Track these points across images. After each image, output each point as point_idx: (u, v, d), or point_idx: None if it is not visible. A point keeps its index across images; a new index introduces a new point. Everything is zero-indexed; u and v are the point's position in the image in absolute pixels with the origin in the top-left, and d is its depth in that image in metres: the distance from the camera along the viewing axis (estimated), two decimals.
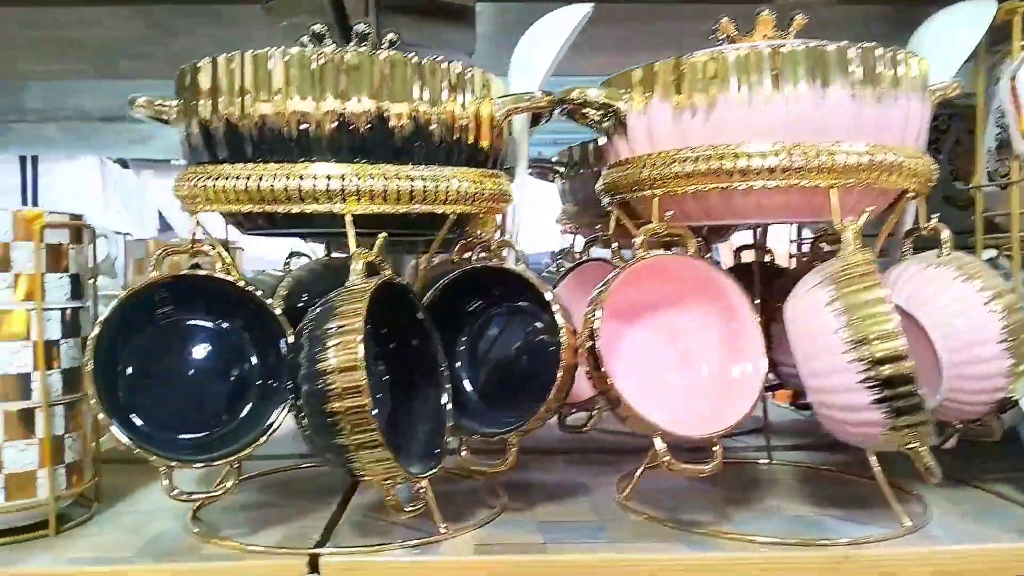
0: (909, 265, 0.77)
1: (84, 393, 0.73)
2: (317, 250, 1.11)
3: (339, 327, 0.61)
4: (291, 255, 1.06)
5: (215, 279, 0.72)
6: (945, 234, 0.77)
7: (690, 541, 0.70)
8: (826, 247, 0.91)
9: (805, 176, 0.69)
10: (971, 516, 0.76)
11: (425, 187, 0.69)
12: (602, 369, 0.68)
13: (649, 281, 0.75)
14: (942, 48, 0.81)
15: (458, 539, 0.70)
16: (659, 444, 0.69)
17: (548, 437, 1.17)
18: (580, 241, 1.14)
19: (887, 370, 0.62)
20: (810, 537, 0.69)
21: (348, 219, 0.68)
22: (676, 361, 0.78)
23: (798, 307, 0.68)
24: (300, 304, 0.84)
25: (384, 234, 0.68)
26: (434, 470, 0.68)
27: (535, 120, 0.84)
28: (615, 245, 0.90)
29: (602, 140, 0.85)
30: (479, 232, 0.85)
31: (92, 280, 0.78)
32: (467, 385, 0.82)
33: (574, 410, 0.91)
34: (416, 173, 0.69)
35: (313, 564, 0.66)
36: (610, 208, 0.85)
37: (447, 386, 0.73)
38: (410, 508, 0.67)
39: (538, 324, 0.81)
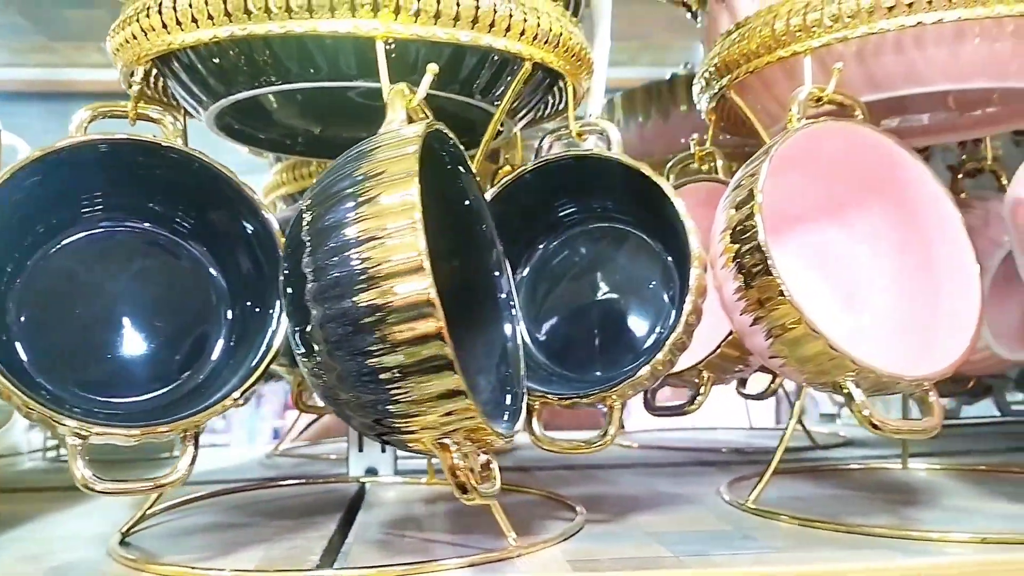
0: None
1: None
2: None
3: (377, 202, 0.36)
4: None
5: (168, 149, 0.47)
6: None
7: (893, 546, 0.46)
8: None
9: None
10: None
11: (496, 7, 0.46)
12: (768, 271, 0.45)
13: (802, 173, 0.53)
14: None
15: (537, 555, 0.45)
16: (856, 391, 0.45)
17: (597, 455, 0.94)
18: None
19: None
20: None
21: (380, 48, 0.44)
22: (837, 293, 0.55)
23: None
24: None
25: (435, 67, 0.44)
26: (514, 427, 0.43)
27: None
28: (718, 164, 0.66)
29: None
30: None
31: None
32: (527, 333, 0.56)
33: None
34: None
35: None
36: (710, 113, 0.64)
37: (513, 318, 0.48)
38: (485, 489, 0.41)
39: (633, 245, 0.56)
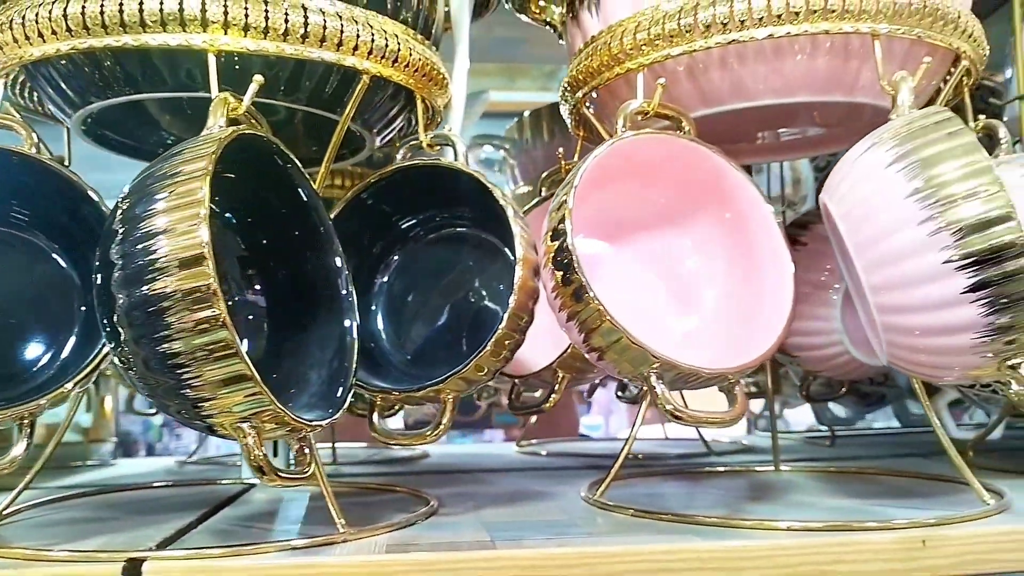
0: None
1: None
2: None
3: (173, 197, 0.39)
4: None
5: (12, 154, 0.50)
6: (1002, 131, 0.60)
7: (701, 532, 0.49)
8: None
9: (836, 19, 0.51)
10: None
11: (326, 23, 0.49)
12: (574, 269, 0.48)
13: (629, 183, 0.56)
14: None
15: (363, 541, 0.48)
16: (657, 384, 0.48)
17: (492, 458, 0.97)
18: None
19: (985, 242, 0.43)
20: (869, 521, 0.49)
21: (211, 61, 0.48)
22: (671, 295, 0.58)
23: (841, 184, 0.49)
24: None
25: (260, 78, 0.47)
26: (333, 416, 0.46)
27: (480, 7, 0.66)
28: None
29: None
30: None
31: None
32: (385, 334, 0.59)
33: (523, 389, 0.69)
34: (315, 4, 0.49)
35: (133, 572, 0.42)
36: (576, 128, 0.67)
37: (352, 313, 0.51)
38: (288, 474, 0.44)
39: (486, 250, 0.59)
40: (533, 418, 1.05)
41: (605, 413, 1.80)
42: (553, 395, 0.63)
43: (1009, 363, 0.45)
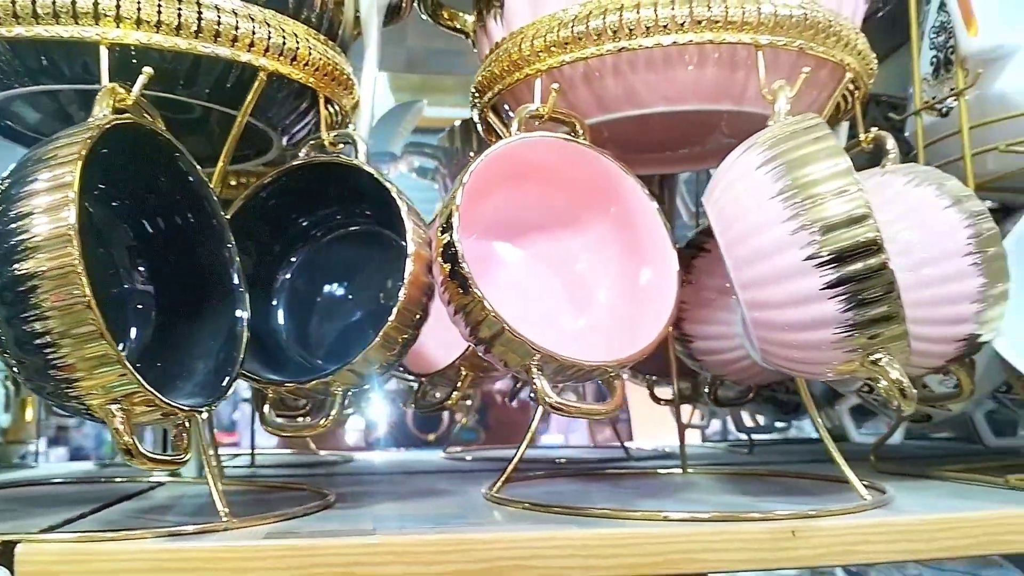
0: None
1: None
2: None
3: (44, 180, 0.40)
4: None
5: None
6: (890, 143, 0.63)
7: (585, 523, 0.50)
8: None
9: (720, 29, 0.54)
10: (934, 493, 0.61)
11: (220, 19, 0.50)
12: (460, 262, 0.49)
13: (525, 185, 0.57)
14: None
15: (244, 530, 0.48)
16: (538, 376, 0.49)
17: (415, 463, 0.97)
18: None
19: (844, 240, 0.45)
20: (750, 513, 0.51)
21: (103, 53, 0.48)
22: (566, 294, 0.59)
23: (727, 194, 0.51)
24: None
25: (149, 70, 0.48)
26: (212, 403, 0.46)
27: (392, 14, 0.67)
28: None
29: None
30: None
31: None
32: (286, 330, 0.60)
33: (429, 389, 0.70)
34: (209, 1, 0.50)
35: (6, 554, 0.43)
36: (487, 133, 0.68)
37: (243, 306, 0.52)
38: (161, 457, 0.44)
39: (386, 247, 0.60)
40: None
41: (565, 431, 1.82)
42: (455, 392, 0.64)
43: (871, 358, 0.47)
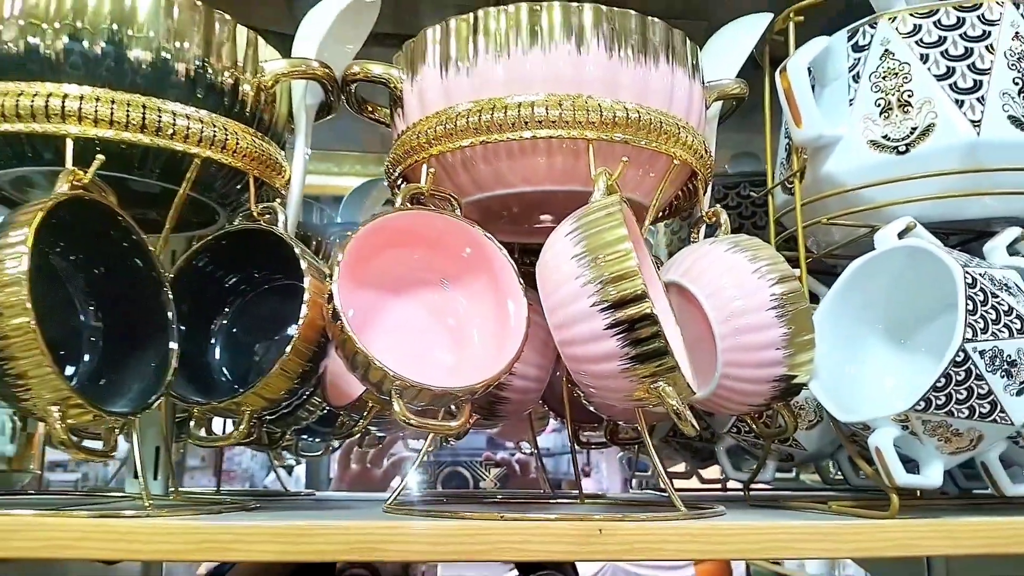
0: (690, 247, 0.75)
1: None
2: None
3: (7, 238, 0.54)
4: None
5: None
6: (724, 217, 0.75)
7: (447, 520, 0.61)
8: None
9: (558, 127, 0.67)
10: (764, 516, 0.70)
11: (160, 118, 0.65)
12: (339, 310, 0.62)
13: (408, 248, 0.71)
14: (722, 55, 0.83)
15: (164, 516, 0.61)
16: (396, 400, 0.62)
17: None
18: None
19: (619, 292, 0.57)
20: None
21: (68, 144, 0.63)
22: (446, 336, 0.72)
23: (545, 256, 0.64)
24: None
25: (101, 157, 0.63)
26: (134, 413, 0.60)
27: (323, 111, 0.82)
28: None
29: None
30: None
31: None
32: (221, 363, 0.74)
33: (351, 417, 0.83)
34: (155, 104, 0.66)
35: None
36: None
37: (174, 340, 0.65)
38: (92, 448, 0.58)
39: (299, 298, 0.73)
40: None
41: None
42: (360, 421, 0.76)
43: (652, 387, 0.59)
